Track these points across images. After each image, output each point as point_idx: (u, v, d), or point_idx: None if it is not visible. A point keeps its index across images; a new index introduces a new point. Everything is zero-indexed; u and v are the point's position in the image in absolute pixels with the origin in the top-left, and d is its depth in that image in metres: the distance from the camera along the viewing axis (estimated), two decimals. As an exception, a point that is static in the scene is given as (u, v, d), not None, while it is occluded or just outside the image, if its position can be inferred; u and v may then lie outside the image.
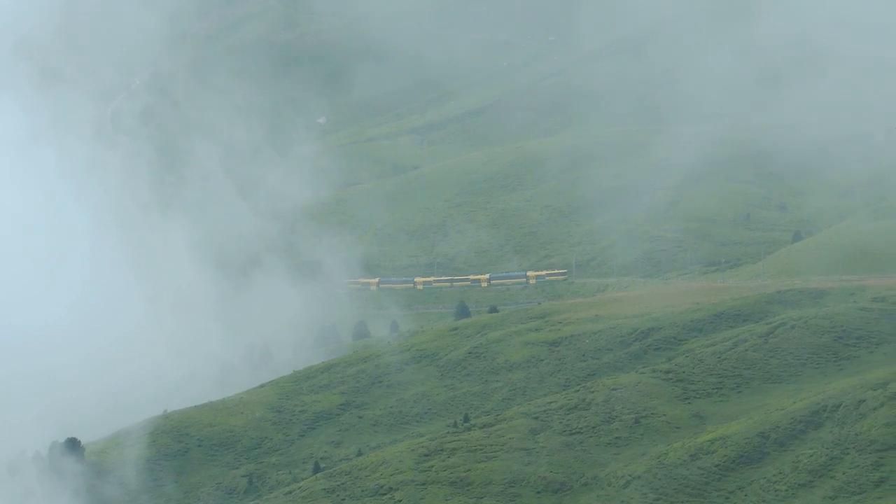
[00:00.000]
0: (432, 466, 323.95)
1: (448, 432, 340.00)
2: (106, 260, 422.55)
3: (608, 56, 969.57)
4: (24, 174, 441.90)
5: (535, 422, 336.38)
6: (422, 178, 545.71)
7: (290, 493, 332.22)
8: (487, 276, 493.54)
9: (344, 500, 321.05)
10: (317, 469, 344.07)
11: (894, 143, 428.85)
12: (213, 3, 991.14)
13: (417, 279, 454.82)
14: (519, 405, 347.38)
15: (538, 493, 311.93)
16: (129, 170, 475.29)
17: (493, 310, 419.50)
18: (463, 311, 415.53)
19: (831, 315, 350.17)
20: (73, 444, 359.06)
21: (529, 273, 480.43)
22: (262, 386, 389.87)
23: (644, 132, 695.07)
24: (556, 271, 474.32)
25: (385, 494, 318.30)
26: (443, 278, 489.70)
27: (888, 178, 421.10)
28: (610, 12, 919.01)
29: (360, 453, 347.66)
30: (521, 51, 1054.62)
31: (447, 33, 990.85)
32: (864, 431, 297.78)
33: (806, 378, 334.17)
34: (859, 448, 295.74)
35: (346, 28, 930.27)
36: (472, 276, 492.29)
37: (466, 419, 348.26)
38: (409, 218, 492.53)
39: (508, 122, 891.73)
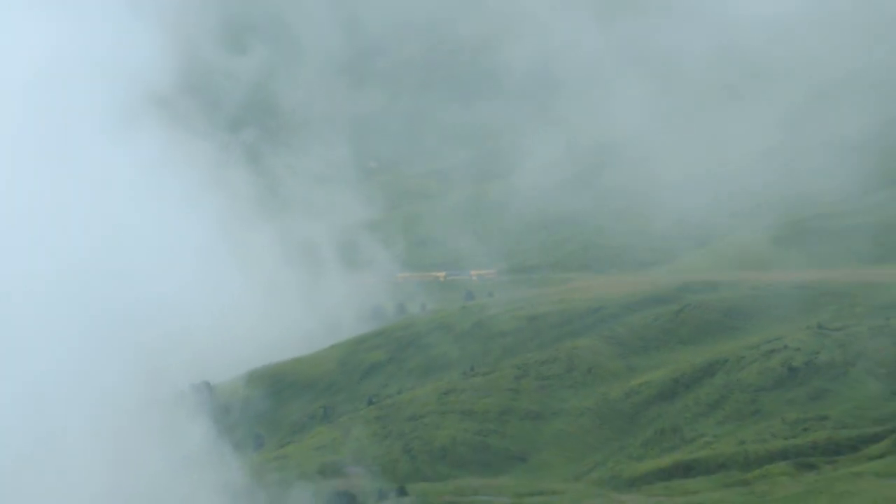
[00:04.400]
0: (449, 401, 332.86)
1: (460, 378, 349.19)
2: (219, 255, 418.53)
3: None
4: (158, 191, 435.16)
5: (519, 371, 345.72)
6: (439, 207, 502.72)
7: (351, 419, 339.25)
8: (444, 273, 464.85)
9: (388, 424, 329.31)
10: (370, 402, 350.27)
11: (756, 174, 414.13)
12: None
13: (439, 273, 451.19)
14: (508, 360, 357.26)
15: (521, 419, 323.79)
16: (238, 190, 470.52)
17: (490, 294, 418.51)
18: (469, 296, 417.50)
19: (722, 299, 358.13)
20: (206, 385, 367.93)
21: (472, 271, 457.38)
22: (332, 346, 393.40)
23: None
24: (488, 271, 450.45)
25: (416, 420, 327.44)
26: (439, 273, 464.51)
27: (766, 203, 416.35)
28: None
29: (399, 392, 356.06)
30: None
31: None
32: (744, 378, 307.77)
33: (704, 342, 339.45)
34: (741, 389, 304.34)
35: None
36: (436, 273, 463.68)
37: (472, 369, 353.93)
38: (428, 230, 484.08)
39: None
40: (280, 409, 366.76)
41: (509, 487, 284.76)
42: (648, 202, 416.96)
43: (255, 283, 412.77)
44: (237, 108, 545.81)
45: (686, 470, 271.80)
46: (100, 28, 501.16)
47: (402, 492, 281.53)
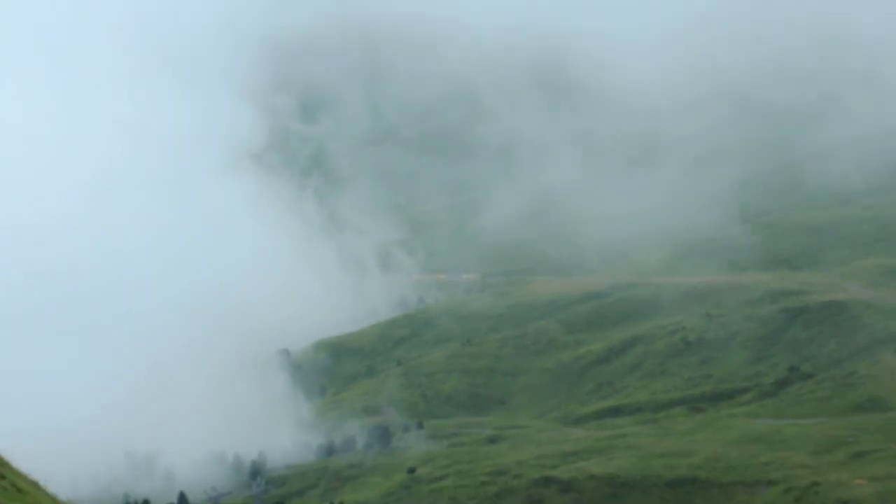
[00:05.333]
0: (452, 363, 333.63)
1: (460, 347, 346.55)
2: (297, 263, 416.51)
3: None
4: (254, 218, 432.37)
5: (500, 342, 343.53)
6: (442, 232, 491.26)
7: (385, 375, 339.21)
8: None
9: (410, 378, 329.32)
10: (398, 364, 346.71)
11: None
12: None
13: (441, 276, 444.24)
14: (493, 335, 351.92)
15: (502, 375, 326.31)
16: (308, 218, 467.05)
17: (481, 290, 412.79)
18: (467, 292, 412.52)
19: (639, 295, 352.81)
20: (286, 352, 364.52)
21: (464, 275, 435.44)
22: (372, 325, 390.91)
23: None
24: (474, 275, 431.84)
25: (430, 376, 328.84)
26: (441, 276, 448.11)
27: (664, 232, 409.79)
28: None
29: (419, 356, 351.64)
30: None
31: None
32: (655, 348, 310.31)
33: (627, 324, 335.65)
34: (652, 356, 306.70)
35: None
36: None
37: (468, 341, 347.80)
38: (436, 246, 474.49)
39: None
40: (337, 367, 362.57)
41: (493, 423, 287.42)
42: (581, 233, 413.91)
43: (321, 281, 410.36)
44: (308, 161, 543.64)
45: (615, 412, 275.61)
46: (213, 102, 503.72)
47: (420, 426, 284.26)
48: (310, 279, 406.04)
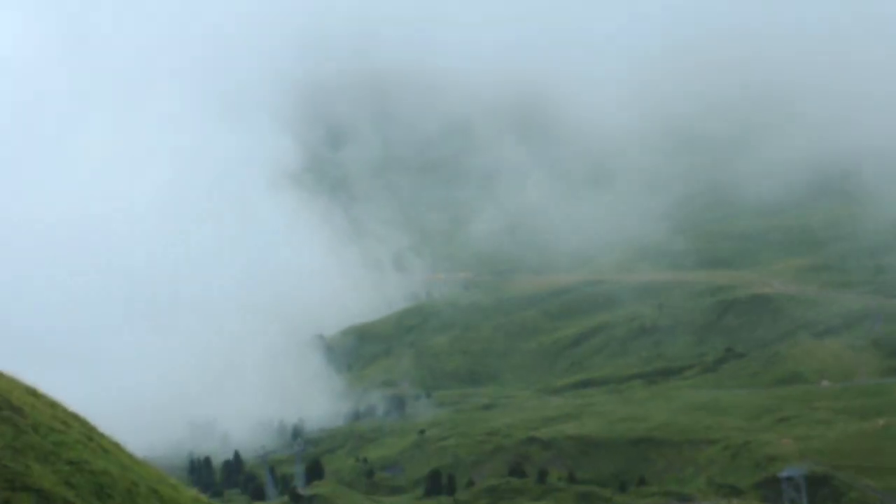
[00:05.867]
0: (454, 346, 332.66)
1: (460, 333, 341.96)
2: (329, 265, 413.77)
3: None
4: (295, 227, 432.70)
5: (494, 328, 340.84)
6: (442, 239, 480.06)
7: (401, 355, 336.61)
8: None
9: (421, 357, 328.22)
10: (411, 346, 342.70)
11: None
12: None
13: (439, 275, 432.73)
14: (487, 322, 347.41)
15: (495, 356, 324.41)
16: (338, 227, 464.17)
17: (475, 287, 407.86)
18: (463, 288, 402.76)
19: (603, 289, 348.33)
20: (321, 336, 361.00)
21: (460, 273, 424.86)
22: (389, 315, 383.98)
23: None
24: (468, 273, 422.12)
25: (436, 356, 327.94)
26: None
27: (618, 243, 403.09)
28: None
29: (427, 340, 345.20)
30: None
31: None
32: (616, 334, 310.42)
33: (595, 313, 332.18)
34: (615, 340, 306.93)
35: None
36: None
37: (467, 328, 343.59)
38: (439, 251, 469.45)
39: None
40: (361, 349, 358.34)
41: (487, 393, 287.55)
42: (552, 241, 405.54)
43: (347, 279, 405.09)
44: (335, 182, 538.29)
45: (585, 384, 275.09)
46: (260, 134, 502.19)
47: (428, 395, 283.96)
48: (339, 277, 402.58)
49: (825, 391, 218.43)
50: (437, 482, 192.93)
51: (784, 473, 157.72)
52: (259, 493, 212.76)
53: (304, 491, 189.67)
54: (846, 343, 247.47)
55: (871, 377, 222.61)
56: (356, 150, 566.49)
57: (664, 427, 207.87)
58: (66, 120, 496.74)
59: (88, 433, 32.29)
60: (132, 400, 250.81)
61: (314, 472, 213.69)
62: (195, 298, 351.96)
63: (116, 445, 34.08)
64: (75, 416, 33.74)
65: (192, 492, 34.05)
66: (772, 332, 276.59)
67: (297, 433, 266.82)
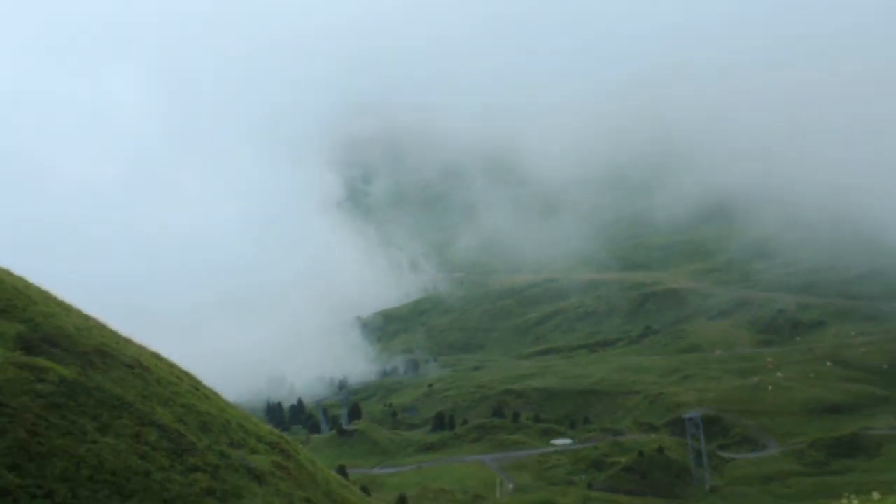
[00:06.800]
0: (454, 324, 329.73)
1: (458, 316, 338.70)
2: (363, 265, 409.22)
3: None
4: (339, 239, 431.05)
5: (483, 313, 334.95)
6: (441, 246, 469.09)
7: (415, 332, 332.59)
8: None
9: (431, 333, 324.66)
10: (422, 325, 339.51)
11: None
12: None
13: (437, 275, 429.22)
14: (477, 308, 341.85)
15: (482, 331, 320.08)
16: (370, 239, 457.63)
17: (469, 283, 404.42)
18: (459, 284, 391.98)
19: (557, 286, 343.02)
20: (359, 318, 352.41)
21: (456, 274, 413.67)
22: (407, 303, 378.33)
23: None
24: (462, 274, 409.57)
25: (441, 332, 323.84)
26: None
27: (564, 254, 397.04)
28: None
29: (435, 321, 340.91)
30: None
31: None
32: (569, 315, 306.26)
33: (551, 301, 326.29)
34: (566, 321, 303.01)
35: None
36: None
37: (464, 313, 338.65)
38: (444, 255, 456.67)
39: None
40: (387, 326, 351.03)
41: (477, 359, 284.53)
42: (518, 252, 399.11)
43: (378, 277, 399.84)
44: (368, 208, 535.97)
45: (546, 352, 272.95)
46: (312, 171, 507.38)
47: (435, 360, 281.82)
48: (371, 275, 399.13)
49: (716, 357, 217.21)
50: (441, 421, 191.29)
51: (687, 416, 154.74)
52: (315, 429, 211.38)
53: (347, 427, 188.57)
54: (730, 323, 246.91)
55: (747, 347, 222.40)
56: (381, 185, 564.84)
57: (602, 382, 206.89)
58: (175, 158, 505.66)
59: (195, 385, 31.74)
60: (226, 360, 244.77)
61: (354, 413, 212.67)
62: (271, 289, 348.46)
63: (215, 393, 33.48)
64: (186, 373, 32.77)
65: (268, 427, 33.94)
66: (678, 315, 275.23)
67: (342, 386, 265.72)
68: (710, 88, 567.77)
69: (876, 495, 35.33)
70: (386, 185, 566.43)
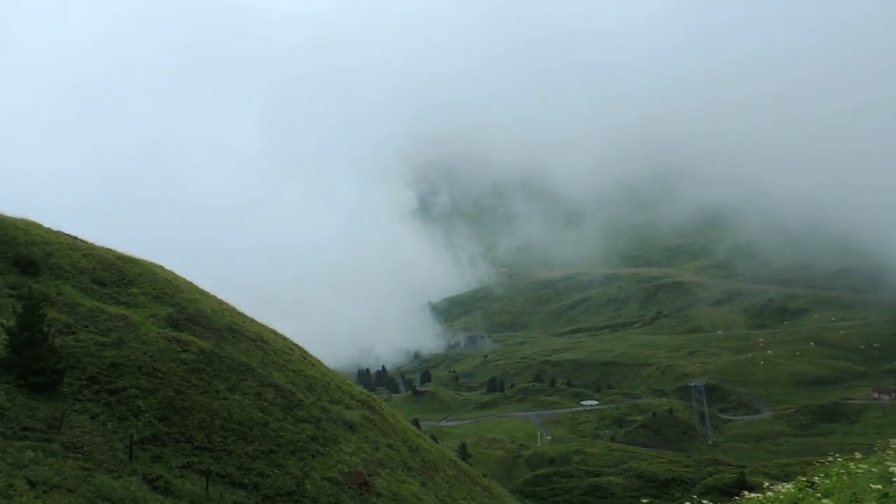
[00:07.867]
0: (504, 308, 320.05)
1: (507, 301, 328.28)
2: (423, 257, 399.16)
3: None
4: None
5: (525, 299, 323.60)
6: (482, 250, 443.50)
7: (464, 317, 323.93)
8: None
9: (486, 315, 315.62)
10: (479, 308, 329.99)
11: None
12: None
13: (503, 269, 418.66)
14: (521, 296, 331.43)
15: (527, 314, 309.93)
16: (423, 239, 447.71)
17: (509, 277, 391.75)
18: (509, 277, 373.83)
19: (585, 278, 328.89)
20: (428, 303, 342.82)
21: (502, 269, 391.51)
22: (466, 291, 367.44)
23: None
24: (504, 269, 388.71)
25: (494, 314, 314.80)
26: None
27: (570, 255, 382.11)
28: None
29: (489, 305, 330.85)
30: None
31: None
32: (595, 302, 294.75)
33: (581, 290, 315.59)
34: (593, 306, 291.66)
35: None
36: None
37: (510, 299, 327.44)
38: (495, 256, 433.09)
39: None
40: (452, 309, 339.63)
41: (522, 336, 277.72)
42: (551, 253, 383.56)
43: (447, 271, 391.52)
44: (436, 217, 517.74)
45: (576, 331, 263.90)
46: (392, 188, 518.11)
47: (489, 336, 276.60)
48: (440, 269, 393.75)
49: (716, 337, 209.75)
50: (493, 384, 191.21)
51: (692, 384, 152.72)
52: (395, 389, 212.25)
53: (420, 388, 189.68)
54: (728, 309, 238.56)
55: (742, 329, 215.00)
56: (444, 199, 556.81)
57: (622, 355, 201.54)
58: (287, 182, 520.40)
59: (303, 354, 32.60)
60: (327, 336, 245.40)
61: (426, 377, 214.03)
62: (362, 280, 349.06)
63: (318, 361, 34.37)
64: (296, 345, 34.19)
65: (359, 388, 34.51)
66: (683, 302, 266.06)
67: (416, 356, 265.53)
68: (700, 126, 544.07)
69: (858, 455, 33.18)
70: (448, 199, 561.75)
